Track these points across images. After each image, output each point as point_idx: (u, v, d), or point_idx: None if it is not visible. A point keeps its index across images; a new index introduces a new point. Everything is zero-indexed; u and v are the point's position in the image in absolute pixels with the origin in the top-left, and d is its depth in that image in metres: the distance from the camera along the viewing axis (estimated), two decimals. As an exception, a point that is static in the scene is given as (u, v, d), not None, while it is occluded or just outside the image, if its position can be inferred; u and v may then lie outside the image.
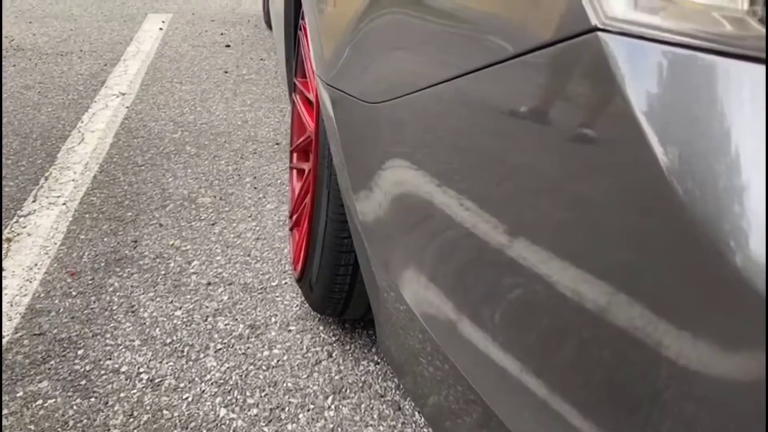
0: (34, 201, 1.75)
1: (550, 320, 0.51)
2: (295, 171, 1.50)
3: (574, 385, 0.49)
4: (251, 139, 2.20)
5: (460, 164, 0.62)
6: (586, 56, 0.43)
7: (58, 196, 1.77)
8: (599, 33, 0.41)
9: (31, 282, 1.41)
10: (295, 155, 1.50)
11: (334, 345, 1.26)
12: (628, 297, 0.43)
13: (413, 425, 1.09)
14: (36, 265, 1.47)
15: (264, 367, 1.20)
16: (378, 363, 1.23)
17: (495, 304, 0.59)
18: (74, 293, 1.38)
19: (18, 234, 1.59)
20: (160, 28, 3.68)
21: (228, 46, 3.36)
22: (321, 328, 1.31)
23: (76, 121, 2.31)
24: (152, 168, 1.97)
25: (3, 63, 2.95)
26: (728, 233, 0.36)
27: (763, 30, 0.37)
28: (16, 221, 1.65)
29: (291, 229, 1.45)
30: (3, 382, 1.14)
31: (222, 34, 3.61)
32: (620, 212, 0.42)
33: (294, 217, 1.42)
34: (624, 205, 0.42)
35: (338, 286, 1.10)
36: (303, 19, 1.31)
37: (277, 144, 2.18)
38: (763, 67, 0.36)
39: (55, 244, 1.55)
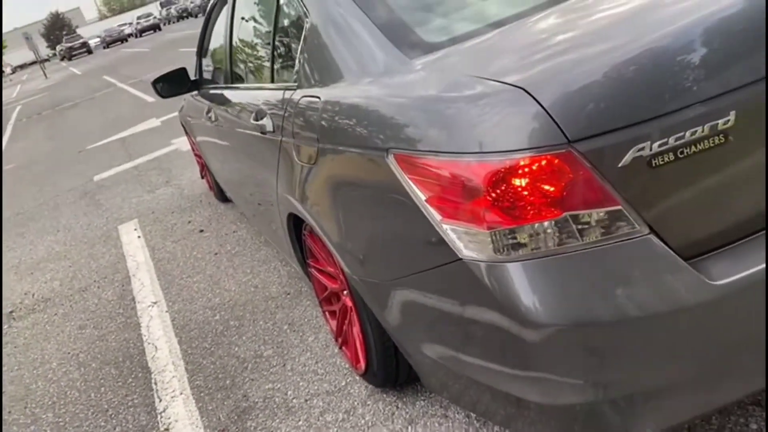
0: (160, 401, 2.55)
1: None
2: (327, 312, 2.40)
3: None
4: (269, 299, 3.08)
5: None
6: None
7: (173, 391, 2.58)
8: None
9: (202, 446, 2.22)
10: (323, 303, 2.40)
11: (397, 401, 2.14)
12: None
13: (459, 424, 1.98)
14: (197, 436, 2.28)
15: (365, 428, 2.06)
16: (425, 400, 2.11)
17: (473, 346, 1.50)
18: (233, 440, 2.20)
19: (170, 424, 2.39)
20: (138, 236, 4.51)
21: (202, 231, 4.23)
22: (384, 396, 2.18)
23: (139, 336, 3.12)
24: (218, 346, 2.81)
25: (44, 317, 3.71)
26: None
27: None
28: (160, 418, 2.45)
29: (341, 347, 2.34)
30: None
31: (189, 222, 4.49)
32: None
33: (340, 339, 2.31)
34: None
35: (390, 367, 1.99)
36: (305, 230, 2.23)
37: (288, 294, 3.06)
38: None
39: (198, 419, 2.37)
